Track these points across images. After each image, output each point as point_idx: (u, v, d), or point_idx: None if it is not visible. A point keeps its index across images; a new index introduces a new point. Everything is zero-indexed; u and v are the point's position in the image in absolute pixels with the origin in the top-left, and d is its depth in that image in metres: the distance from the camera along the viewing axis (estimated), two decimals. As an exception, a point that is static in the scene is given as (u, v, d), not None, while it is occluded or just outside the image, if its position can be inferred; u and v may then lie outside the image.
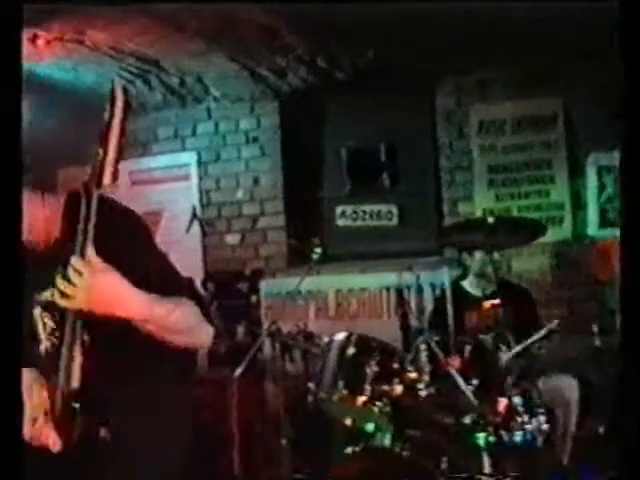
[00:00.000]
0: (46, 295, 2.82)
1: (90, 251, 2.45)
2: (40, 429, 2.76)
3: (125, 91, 2.53)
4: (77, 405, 2.66)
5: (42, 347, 2.88)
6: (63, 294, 2.47)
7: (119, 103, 2.50)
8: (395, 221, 7.25)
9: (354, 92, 7.23)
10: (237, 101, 7.48)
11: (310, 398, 4.89)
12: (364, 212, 7.29)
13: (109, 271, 2.49)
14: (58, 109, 7.04)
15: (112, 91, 2.51)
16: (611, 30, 2.42)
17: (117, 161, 2.46)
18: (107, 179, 2.44)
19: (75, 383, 2.66)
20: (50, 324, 2.86)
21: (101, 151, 2.44)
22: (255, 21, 5.76)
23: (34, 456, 2.75)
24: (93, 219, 2.46)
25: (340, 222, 7.31)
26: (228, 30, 5.93)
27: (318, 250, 5.41)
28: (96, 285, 2.46)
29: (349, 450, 4.75)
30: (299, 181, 7.45)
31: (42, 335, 2.89)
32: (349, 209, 7.31)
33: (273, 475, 5.80)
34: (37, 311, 2.88)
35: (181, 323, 2.70)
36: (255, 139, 7.50)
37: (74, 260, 2.44)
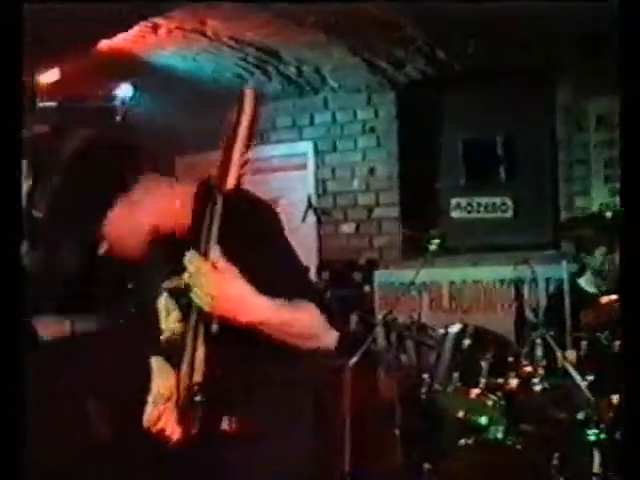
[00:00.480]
0: (172, 282, 2.85)
1: (214, 253, 2.44)
2: (161, 416, 2.80)
3: (255, 97, 2.48)
4: (198, 399, 2.68)
5: (169, 334, 2.93)
6: (189, 291, 2.48)
7: (248, 110, 2.46)
8: (510, 214, 7.18)
9: (472, 84, 7.19)
10: (354, 92, 7.50)
11: (424, 389, 4.89)
12: (479, 204, 7.24)
13: (231, 274, 2.46)
14: (177, 98, 7.17)
15: (241, 96, 2.47)
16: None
17: (242, 165, 2.43)
18: (231, 183, 2.42)
19: (198, 377, 2.67)
20: (176, 312, 2.88)
21: (226, 155, 2.42)
22: (374, 13, 5.77)
23: (151, 442, 2.85)
24: (217, 222, 2.45)
25: (455, 214, 7.27)
26: (347, 22, 5.96)
27: (435, 242, 5.40)
28: (218, 289, 2.45)
29: (462, 442, 4.75)
30: (415, 172, 7.44)
31: (168, 323, 2.92)
32: (464, 201, 7.26)
33: (384, 465, 5.81)
34: (163, 298, 2.92)
35: (305, 330, 2.66)
36: (372, 129, 7.51)
37: (197, 259, 2.45)
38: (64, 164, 2.68)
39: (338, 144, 7.64)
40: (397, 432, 5.28)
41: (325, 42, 6.30)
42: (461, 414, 4.81)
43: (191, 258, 2.46)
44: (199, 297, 2.46)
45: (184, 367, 2.70)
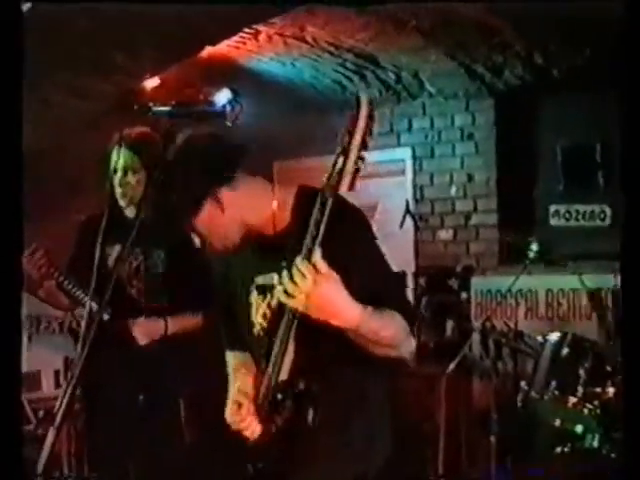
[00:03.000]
0: (263, 280, 2.93)
1: (317, 255, 2.47)
2: (243, 414, 2.88)
3: (370, 103, 2.51)
4: (281, 396, 2.73)
5: (254, 330, 2.99)
6: (286, 292, 2.50)
7: (363, 115, 2.49)
8: (608, 222, 7.08)
9: (570, 90, 7.11)
10: (452, 97, 7.48)
11: (520, 397, 4.87)
12: (577, 212, 7.15)
13: (332, 278, 2.50)
14: (276, 104, 7.24)
15: (357, 103, 2.50)
16: None
17: (356, 171, 2.46)
18: (345, 187, 2.45)
19: (284, 375, 2.71)
20: (264, 309, 2.95)
21: (341, 160, 2.45)
22: (473, 18, 5.76)
23: (229, 439, 2.90)
24: (324, 224, 2.48)
25: (553, 221, 7.19)
26: (446, 27, 5.96)
27: (534, 249, 5.36)
28: (317, 292, 2.47)
29: (557, 450, 4.71)
30: (512, 179, 7.39)
31: (254, 319, 2.99)
32: (562, 208, 7.18)
33: (479, 472, 5.79)
34: (253, 295, 2.98)
35: (388, 339, 2.69)
36: (470, 136, 7.47)
37: (300, 262, 2.47)
38: (167, 162, 2.76)
39: (436, 150, 7.63)
40: (492, 439, 5.25)
41: (423, 47, 6.30)
42: (557, 422, 4.78)
43: (296, 260, 2.48)
44: (296, 297, 2.48)
45: (270, 365, 2.75)
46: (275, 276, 2.83)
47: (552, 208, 7.20)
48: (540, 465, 4.99)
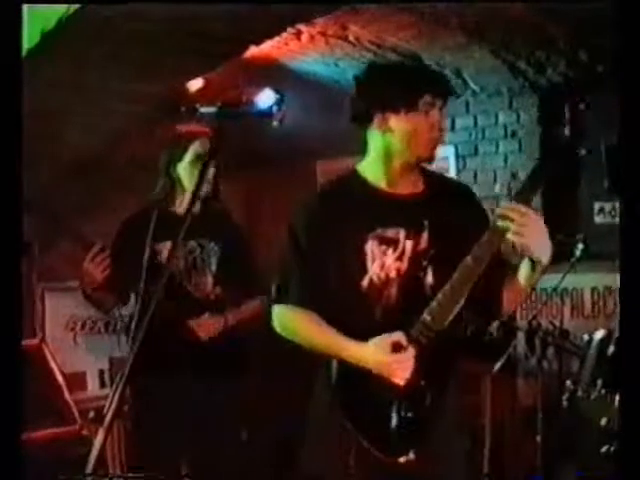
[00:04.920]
0: (386, 232, 3.07)
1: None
2: (403, 355, 2.96)
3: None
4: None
5: (364, 279, 3.07)
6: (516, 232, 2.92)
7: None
8: (655, 219, 7.01)
9: (615, 87, 7.05)
10: (495, 95, 7.44)
11: (566, 396, 4.84)
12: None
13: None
14: (318, 103, 7.25)
15: None
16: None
17: None
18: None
19: (444, 324, 2.98)
20: (382, 260, 3.06)
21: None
22: (516, 15, 5.73)
23: None
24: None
25: (598, 219, 7.14)
26: (489, 24, 5.94)
27: (581, 247, 5.33)
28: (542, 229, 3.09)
29: (603, 450, 4.68)
30: (557, 177, 7.33)
31: (370, 268, 3.06)
32: (607, 206, 7.12)
33: (525, 471, 5.76)
34: (370, 244, 3.06)
35: None
36: (514, 133, 7.43)
37: (523, 207, 3.01)
38: None
39: (479, 148, 7.59)
40: (538, 439, 5.23)
41: (466, 45, 6.28)
42: (604, 422, 4.74)
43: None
44: (524, 235, 3.00)
45: (430, 311, 2.98)
46: (402, 230, 3.04)
47: (597, 205, 7.14)
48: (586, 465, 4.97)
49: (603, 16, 5.52)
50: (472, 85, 7.29)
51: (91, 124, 5.53)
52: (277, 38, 5.95)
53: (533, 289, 3.15)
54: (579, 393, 4.74)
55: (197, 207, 4.38)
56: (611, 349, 4.69)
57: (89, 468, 2.38)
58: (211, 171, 4.40)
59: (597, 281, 6.94)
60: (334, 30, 6.05)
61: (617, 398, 4.61)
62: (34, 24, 4.38)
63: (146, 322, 2.53)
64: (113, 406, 2.24)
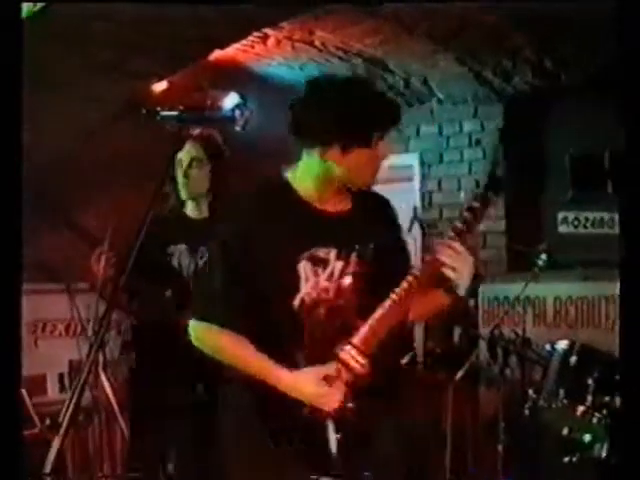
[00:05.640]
0: (320, 252, 3.01)
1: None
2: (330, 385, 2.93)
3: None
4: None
5: (295, 299, 3.01)
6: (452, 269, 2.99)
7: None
8: (617, 229, 7.04)
9: (580, 96, 7.08)
10: (461, 103, 7.45)
11: (528, 405, 4.84)
12: (586, 219, 7.13)
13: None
14: (283, 107, 7.21)
15: None
16: None
17: None
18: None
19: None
20: (315, 280, 3.01)
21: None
22: (484, 23, 5.74)
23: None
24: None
25: (562, 229, 7.17)
26: (456, 33, 5.94)
27: (544, 257, 5.34)
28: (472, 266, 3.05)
29: (565, 460, 4.69)
30: (521, 186, 7.35)
31: (302, 288, 3.01)
32: (571, 215, 7.16)
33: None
34: (303, 265, 3.00)
35: None
36: (478, 142, 7.44)
37: (456, 244, 3.00)
38: None
39: (444, 156, 7.59)
40: (500, 447, 5.22)
41: (432, 52, 6.28)
42: (565, 431, 4.74)
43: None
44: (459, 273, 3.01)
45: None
46: (333, 251, 3.01)
47: (561, 215, 7.17)
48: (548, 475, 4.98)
49: (569, 26, 5.56)
50: (437, 93, 7.30)
51: (55, 124, 5.47)
52: (243, 41, 5.93)
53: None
54: (541, 402, 4.74)
55: (205, 211, 4.48)
56: (573, 359, 4.70)
57: (46, 469, 2.34)
58: (194, 172, 4.40)
59: (560, 290, 6.95)
60: (300, 35, 6.03)
61: (580, 408, 4.62)
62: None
63: (105, 327, 2.48)
64: (69, 413, 2.19)
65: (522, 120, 7.33)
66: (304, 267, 2.99)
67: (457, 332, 6.72)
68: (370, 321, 2.90)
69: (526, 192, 7.33)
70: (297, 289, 2.99)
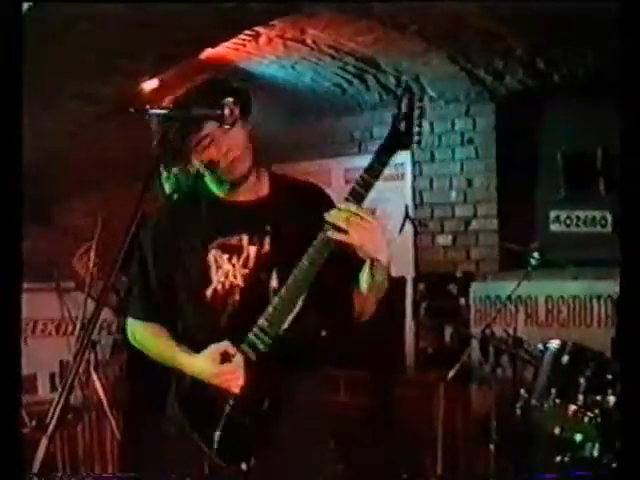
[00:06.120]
0: (229, 240, 3.05)
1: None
2: (232, 365, 2.93)
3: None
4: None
5: (209, 289, 3.05)
6: (337, 228, 2.76)
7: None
8: (609, 228, 7.04)
9: (572, 95, 7.08)
10: (453, 101, 7.44)
11: (519, 404, 4.84)
12: (578, 218, 7.12)
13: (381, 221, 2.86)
14: (274, 106, 7.21)
15: None
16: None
17: None
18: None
19: (283, 327, 2.91)
20: (227, 268, 3.04)
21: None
22: (475, 22, 5.73)
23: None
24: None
25: (554, 227, 7.16)
26: (448, 31, 5.93)
27: (536, 255, 5.34)
28: (373, 227, 2.78)
29: (557, 459, 4.68)
30: (513, 184, 7.35)
31: (213, 277, 3.05)
32: (563, 214, 7.15)
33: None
34: (213, 253, 3.05)
35: None
36: (470, 140, 7.42)
37: (351, 205, 2.78)
38: None
39: (436, 154, 7.58)
40: (492, 447, 5.21)
41: (424, 51, 6.27)
42: (557, 431, 4.75)
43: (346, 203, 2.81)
44: (349, 234, 2.76)
45: (266, 316, 2.91)
46: (245, 237, 3.03)
47: (553, 214, 7.16)
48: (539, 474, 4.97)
49: (561, 25, 5.56)
50: (429, 91, 7.28)
51: (43, 125, 5.46)
52: (234, 40, 5.91)
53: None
54: (533, 402, 4.75)
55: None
56: (565, 358, 4.71)
57: (34, 469, 2.34)
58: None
59: (552, 289, 6.95)
60: (292, 33, 6.02)
61: (572, 408, 4.62)
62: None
63: (93, 326, 2.46)
64: (56, 414, 2.18)
65: (514, 119, 7.33)
66: (214, 257, 3.05)
67: (448, 331, 6.73)
68: (275, 300, 2.90)
69: (518, 191, 7.33)
70: (209, 280, 3.05)
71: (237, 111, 2.82)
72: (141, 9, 4.48)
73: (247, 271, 3.03)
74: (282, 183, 3.19)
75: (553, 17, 5.41)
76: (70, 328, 6.42)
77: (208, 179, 3.10)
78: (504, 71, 6.72)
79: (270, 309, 2.90)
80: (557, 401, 4.66)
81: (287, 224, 3.01)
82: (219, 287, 3.04)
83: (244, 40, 6.05)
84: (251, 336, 2.91)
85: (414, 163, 7.63)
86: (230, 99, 2.76)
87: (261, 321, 2.90)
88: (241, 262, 3.03)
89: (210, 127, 2.94)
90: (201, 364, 2.97)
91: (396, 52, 6.34)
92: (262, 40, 6.12)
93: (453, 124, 7.52)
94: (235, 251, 3.04)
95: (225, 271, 3.03)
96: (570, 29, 5.67)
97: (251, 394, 2.92)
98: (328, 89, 7.21)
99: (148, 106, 2.76)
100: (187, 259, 3.08)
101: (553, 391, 4.68)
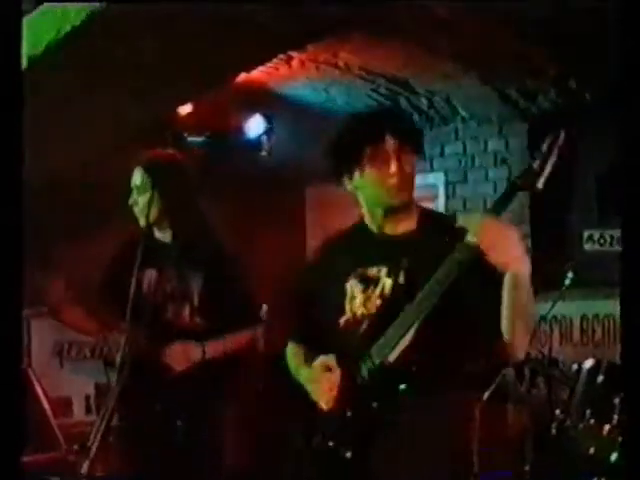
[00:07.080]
0: (369, 271, 3.06)
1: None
2: (332, 381, 2.98)
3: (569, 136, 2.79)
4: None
5: (343, 318, 3.10)
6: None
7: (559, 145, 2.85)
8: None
9: (605, 115, 7.07)
10: (485, 122, 7.45)
11: (555, 425, 4.82)
12: (611, 237, 7.09)
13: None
14: (308, 129, 7.25)
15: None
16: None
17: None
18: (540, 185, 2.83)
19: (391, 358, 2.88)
20: (363, 298, 3.07)
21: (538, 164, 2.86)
22: (506, 43, 5.75)
23: None
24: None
25: (587, 246, 7.14)
26: (479, 52, 5.95)
27: (570, 275, 5.32)
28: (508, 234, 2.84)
29: (593, 480, 4.67)
30: (546, 204, 7.33)
31: (347, 306, 3.09)
32: (596, 234, 7.13)
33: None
34: (352, 283, 3.09)
35: None
36: (503, 161, 7.43)
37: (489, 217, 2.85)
38: None
39: (469, 175, 7.59)
40: (527, 468, 5.19)
41: (456, 72, 6.29)
42: (592, 450, 4.72)
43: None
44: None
45: (378, 347, 2.90)
46: (383, 269, 3.02)
47: (586, 233, 7.14)
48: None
49: (593, 45, 5.56)
50: (462, 112, 7.31)
51: (73, 147, 5.51)
52: (267, 64, 5.96)
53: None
54: (568, 422, 4.73)
55: (168, 236, 4.35)
56: (600, 378, 4.69)
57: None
58: (141, 198, 4.30)
59: (586, 309, 6.93)
60: (324, 56, 6.06)
61: (606, 427, 4.60)
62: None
63: (130, 351, 2.49)
64: (98, 438, 2.20)
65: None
66: (351, 286, 3.08)
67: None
68: (389, 329, 2.91)
69: (551, 210, 7.32)
70: (342, 309, 3.09)
71: (274, 138, 2.87)
72: (176, 33, 4.53)
73: (380, 302, 3.04)
74: (429, 218, 3.16)
75: (584, 34, 5.42)
76: (105, 351, 6.46)
77: (366, 202, 3.12)
78: (536, 91, 6.73)
79: (382, 338, 2.91)
80: (592, 421, 4.65)
81: (423, 258, 2.95)
82: (354, 315, 3.07)
83: (276, 64, 6.09)
84: (360, 360, 2.93)
85: (447, 184, 7.64)
86: (268, 125, 2.81)
87: (373, 348, 2.91)
88: (378, 292, 3.04)
89: (388, 142, 2.98)
90: (307, 368, 3.10)
91: (428, 74, 6.37)
92: (295, 63, 6.17)
93: (486, 144, 7.52)
94: (372, 282, 3.06)
95: (361, 300, 3.06)
96: (602, 47, 5.67)
97: (339, 418, 2.95)
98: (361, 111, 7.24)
99: (186, 133, 2.79)
100: (328, 288, 3.18)
101: (588, 411, 4.66)
